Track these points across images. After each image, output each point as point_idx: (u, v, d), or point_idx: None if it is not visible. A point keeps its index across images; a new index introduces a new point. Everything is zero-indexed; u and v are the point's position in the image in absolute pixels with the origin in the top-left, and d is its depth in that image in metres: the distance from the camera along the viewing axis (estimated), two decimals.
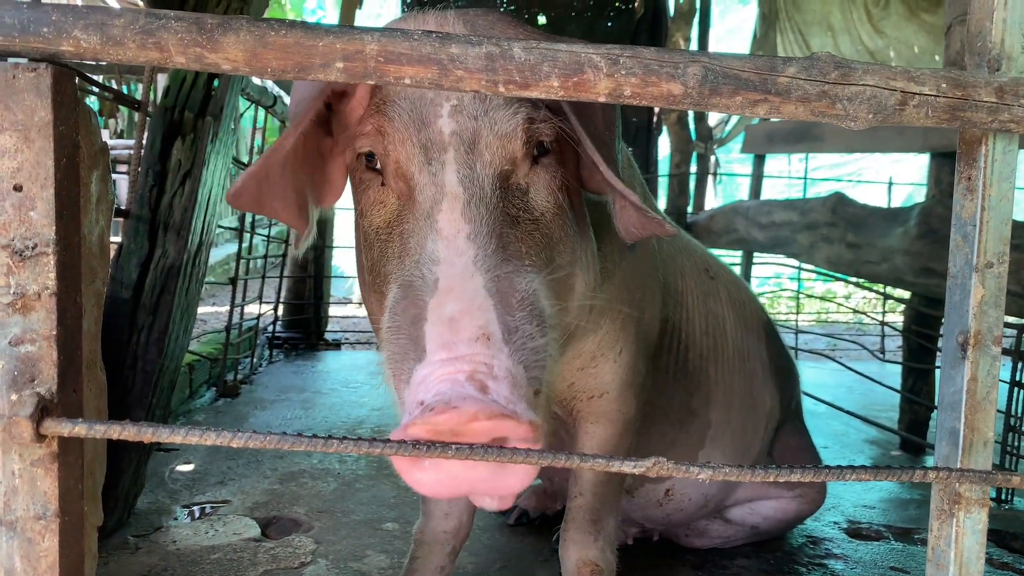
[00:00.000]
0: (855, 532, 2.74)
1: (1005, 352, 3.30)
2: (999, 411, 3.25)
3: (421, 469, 0.93)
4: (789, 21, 6.92)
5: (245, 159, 4.60)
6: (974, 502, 1.03)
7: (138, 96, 2.76)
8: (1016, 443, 3.12)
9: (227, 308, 4.38)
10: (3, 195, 0.84)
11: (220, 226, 5.09)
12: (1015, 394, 3.11)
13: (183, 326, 2.57)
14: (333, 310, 6.38)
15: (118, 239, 2.43)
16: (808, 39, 6.97)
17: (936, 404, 2.79)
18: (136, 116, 2.70)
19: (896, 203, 7.04)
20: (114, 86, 6.46)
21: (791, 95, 0.89)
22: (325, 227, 5.68)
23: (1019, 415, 3.11)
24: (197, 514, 2.66)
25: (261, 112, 4.64)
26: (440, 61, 0.86)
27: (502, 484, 0.96)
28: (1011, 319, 3.38)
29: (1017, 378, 3.12)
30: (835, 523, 2.79)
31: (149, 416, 2.43)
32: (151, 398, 2.43)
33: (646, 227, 1.33)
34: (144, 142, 2.52)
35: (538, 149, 1.25)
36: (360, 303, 8.58)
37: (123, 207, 2.49)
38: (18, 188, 0.84)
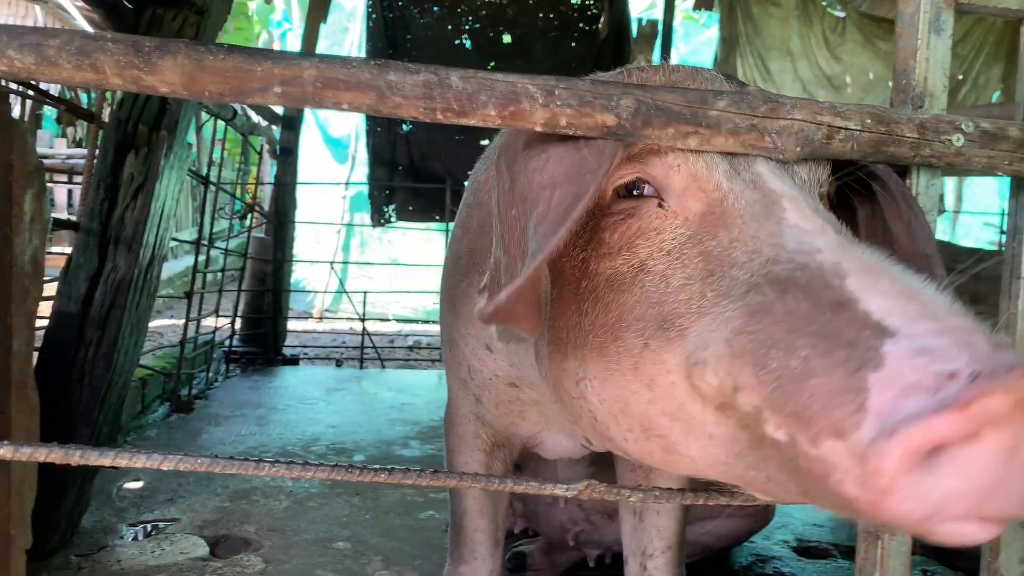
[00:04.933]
0: (803, 550, 2.78)
1: None
2: None
3: (900, 493, 0.62)
4: (749, 45, 7.06)
5: (205, 172, 4.56)
6: None
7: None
8: None
9: (184, 322, 4.32)
10: None
11: (178, 239, 5.03)
12: None
13: (133, 341, 2.54)
14: (291, 324, 6.32)
15: (68, 251, 2.40)
16: (768, 63, 7.11)
17: None
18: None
19: None
20: (82, 96, 6.38)
21: (721, 127, 0.92)
22: (285, 241, 5.64)
23: None
24: (144, 533, 2.61)
25: (221, 124, 4.61)
26: (378, 88, 0.87)
27: None
28: None
29: None
30: (784, 541, 2.83)
31: (96, 432, 2.39)
32: (98, 414, 2.39)
33: None
34: (96, 155, 2.49)
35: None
36: (320, 318, 8.54)
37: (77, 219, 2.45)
38: None
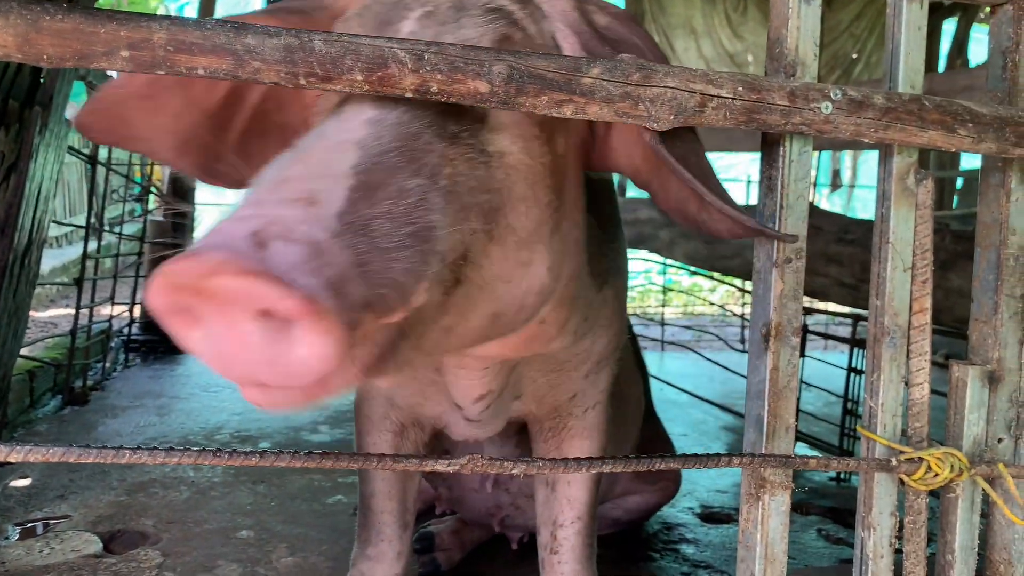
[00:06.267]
0: (708, 516, 2.86)
1: (843, 340, 3.53)
2: (837, 395, 3.48)
3: (193, 327, 0.71)
4: (654, 23, 7.15)
5: (102, 153, 4.33)
6: (778, 485, 1.08)
7: None
8: (853, 425, 3.34)
9: (74, 311, 4.11)
10: None
11: (68, 223, 4.77)
12: (852, 379, 3.33)
13: (12, 331, 2.39)
14: None
15: None
16: (673, 41, 7.22)
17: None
18: None
19: (754, 200, 7.41)
20: None
21: (595, 95, 0.91)
22: (185, 224, 5.43)
23: (856, 399, 3.34)
24: (34, 532, 2.48)
25: None
26: (235, 52, 0.82)
27: (288, 366, 0.68)
28: (847, 309, 3.62)
29: (854, 365, 3.34)
30: (689, 508, 2.91)
31: None
32: None
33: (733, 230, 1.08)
34: None
35: None
36: None
37: None
38: None
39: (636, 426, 2.40)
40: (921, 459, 1.09)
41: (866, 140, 1.03)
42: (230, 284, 0.65)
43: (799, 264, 1.08)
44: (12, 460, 0.79)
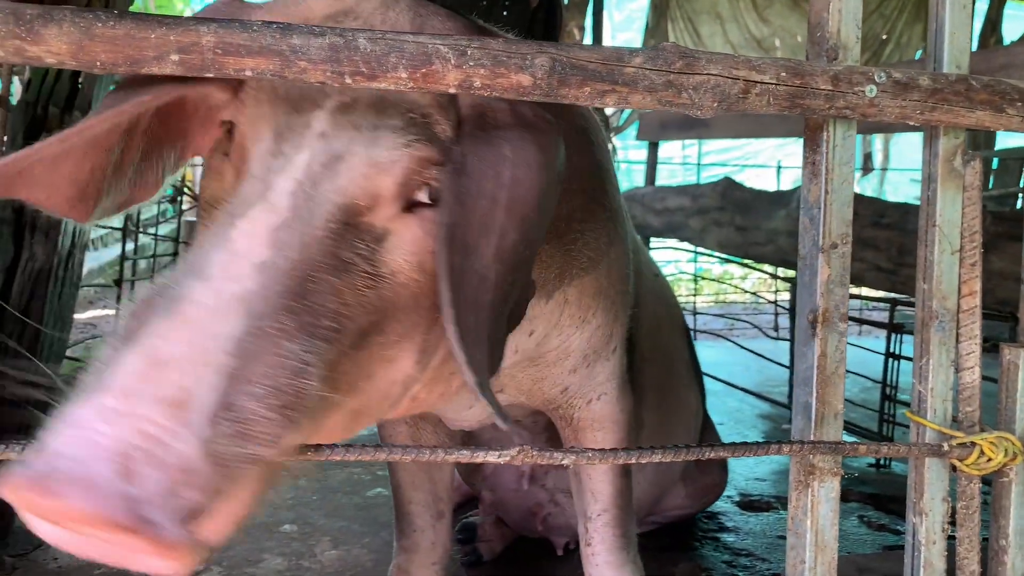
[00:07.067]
0: (747, 504, 2.85)
1: (881, 325, 3.49)
2: (874, 381, 3.44)
3: (43, 512, 0.69)
4: (680, 10, 7.10)
5: None
6: (827, 472, 1.08)
7: None
8: (892, 411, 3.30)
9: (115, 312, 4.19)
10: None
11: (104, 226, 4.86)
12: (890, 365, 3.29)
13: (57, 333, 2.44)
14: None
15: None
16: (698, 27, 7.16)
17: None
18: None
19: (786, 186, 7.33)
20: None
21: (638, 85, 0.91)
22: None
23: (894, 385, 3.30)
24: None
25: None
26: (281, 52, 0.83)
27: (139, 562, 0.71)
28: (885, 294, 3.58)
29: (892, 350, 3.30)
30: (728, 497, 2.89)
31: (23, 430, 2.30)
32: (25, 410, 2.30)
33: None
34: (5, 139, 2.37)
35: (422, 197, 0.96)
36: None
37: None
38: None
39: (689, 435, 2.35)
40: (973, 444, 1.07)
41: (912, 122, 1.02)
42: (91, 528, 0.66)
43: (845, 249, 1.07)
44: None
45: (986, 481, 1.16)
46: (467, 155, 0.94)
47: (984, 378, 1.16)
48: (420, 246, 0.95)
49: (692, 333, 5.91)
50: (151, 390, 0.71)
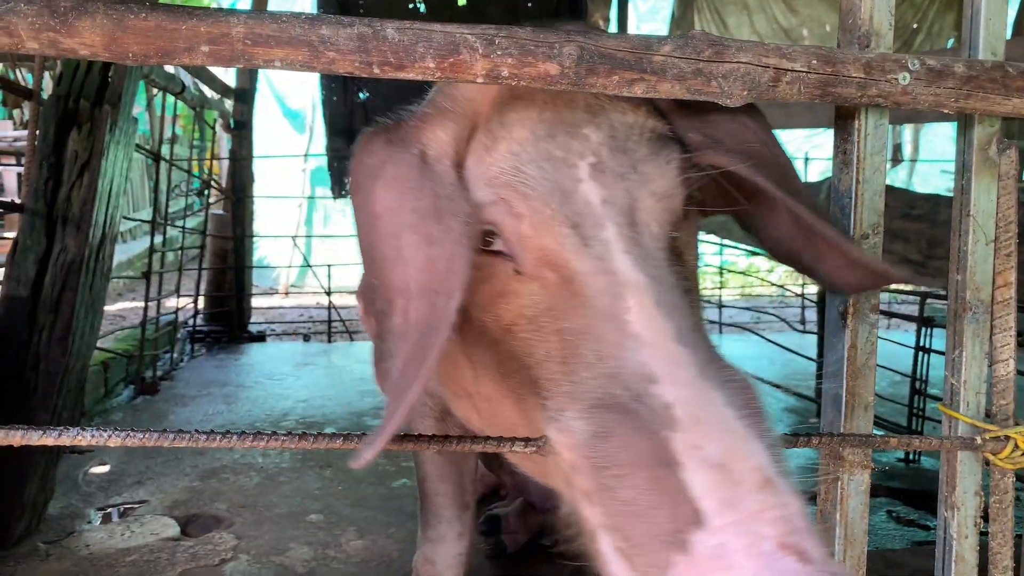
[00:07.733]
0: None
1: (910, 318, 3.44)
2: (902, 375, 3.39)
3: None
4: (706, 0, 7.02)
5: (164, 150, 4.46)
6: (857, 465, 1.07)
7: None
8: (921, 405, 3.26)
9: (144, 303, 4.25)
10: None
11: (133, 218, 4.92)
12: (920, 358, 3.25)
13: (89, 323, 2.48)
14: (256, 301, 6.23)
15: (12, 235, 2.33)
16: (725, 18, 7.08)
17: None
18: None
19: (813, 178, 7.24)
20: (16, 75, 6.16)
21: (667, 73, 0.90)
22: (244, 217, 5.55)
23: (924, 378, 3.25)
24: (113, 516, 2.58)
25: (173, 99, 4.49)
26: (310, 42, 0.83)
27: None
28: (915, 287, 3.53)
29: (922, 343, 3.25)
30: None
31: (55, 418, 2.34)
32: (56, 399, 2.34)
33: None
34: (38, 133, 2.41)
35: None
36: (286, 294, 8.45)
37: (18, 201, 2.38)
38: None
39: None
40: (1007, 437, 1.06)
41: (946, 111, 1.00)
42: None
43: (876, 240, 1.05)
44: (111, 444, 0.83)
45: (1020, 476, 1.14)
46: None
47: (1019, 372, 1.14)
48: (695, 236, 1.08)
49: (718, 327, 5.89)
50: (744, 490, 0.72)
